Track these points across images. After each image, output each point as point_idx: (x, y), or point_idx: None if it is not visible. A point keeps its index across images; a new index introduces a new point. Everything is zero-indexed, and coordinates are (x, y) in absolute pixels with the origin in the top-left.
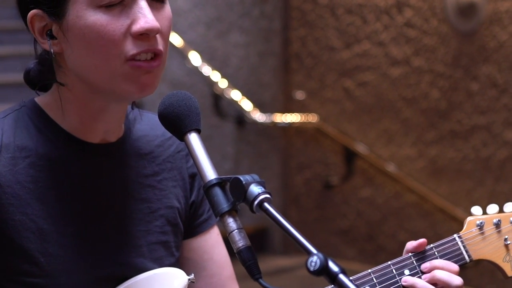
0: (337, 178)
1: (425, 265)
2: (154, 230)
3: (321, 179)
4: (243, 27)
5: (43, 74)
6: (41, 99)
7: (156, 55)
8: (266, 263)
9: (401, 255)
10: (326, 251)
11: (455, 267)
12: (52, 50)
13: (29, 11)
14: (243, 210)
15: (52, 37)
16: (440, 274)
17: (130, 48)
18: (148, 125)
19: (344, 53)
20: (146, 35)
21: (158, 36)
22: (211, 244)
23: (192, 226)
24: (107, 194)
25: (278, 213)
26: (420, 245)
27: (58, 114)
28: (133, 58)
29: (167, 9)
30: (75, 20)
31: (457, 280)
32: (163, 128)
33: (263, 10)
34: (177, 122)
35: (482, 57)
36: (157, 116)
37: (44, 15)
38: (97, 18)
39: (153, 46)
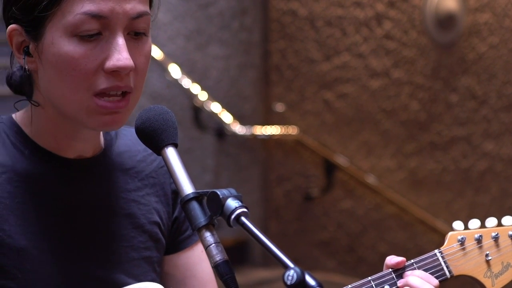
0: (317, 190)
1: (406, 274)
2: (137, 246)
3: (301, 191)
4: (222, 39)
5: (22, 82)
6: (18, 116)
7: (125, 93)
8: (246, 276)
9: (381, 266)
10: (307, 263)
11: (435, 281)
12: (26, 67)
13: (9, 25)
14: (222, 222)
15: (28, 54)
16: (413, 280)
17: (100, 83)
18: (131, 140)
19: (324, 65)
20: (118, 73)
21: (132, 73)
22: (194, 261)
23: (176, 242)
24: (87, 209)
25: (255, 227)
26: (398, 264)
27: (34, 131)
28: (101, 93)
29: (147, 43)
30: (50, 46)
31: None
32: None
33: (243, 23)
34: (154, 137)
35: (461, 69)
36: None
37: (22, 32)
38: (71, 48)
39: (124, 83)
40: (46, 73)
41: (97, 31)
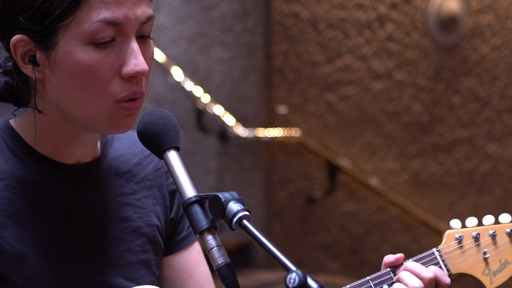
0: (320, 192)
1: (400, 268)
2: (135, 249)
3: (304, 194)
4: (225, 42)
5: (10, 88)
6: (16, 122)
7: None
8: (250, 278)
9: None
10: (310, 265)
11: (427, 274)
12: (35, 77)
13: (13, 35)
14: (225, 225)
15: (35, 63)
16: (403, 275)
17: (119, 90)
18: (127, 143)
19: (326, 68)
20: (134, 77)
21: (142, 77)
22: (191, 262)
23: (171, 243)
24: (85, 215)
25: (257, 230)
26: (397, 260)
27: (33, 137)
28: (122, 101)
29: (151, 47)
30: (65, 55)
31: (417, 283)
32: (141, 146)
33: (245, 25)
34: (156, 140)
35: (463, 71)
36: (135, 133)
37: (30, 42)
38: (88, 56)
39: (139, 89)
40: (60, 83)
41: (112, 37)
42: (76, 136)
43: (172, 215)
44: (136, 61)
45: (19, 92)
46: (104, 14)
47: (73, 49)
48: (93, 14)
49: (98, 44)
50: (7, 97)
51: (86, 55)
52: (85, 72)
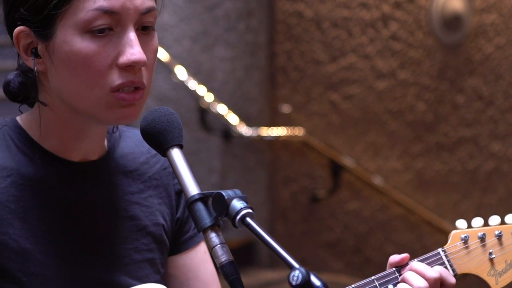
0: (323, 191)
1: (405, 268)
2: (140, 248)
3: (308, 192)
4: (228, 41)
5: (24, 88)
6: (23, 119)
7: (137, 88)
8: (253, 277)
9: None
10: (313, 264)
11: (432, 274)
12: (36, 69)
13: (16, 27)
14: (228, 224)
15: (36, 55)
16: (408, 275)
17: (115, 78)
18: (134, 142)
19: (330, 67)
20: (131, 67)
21: (143, 68)
22: (197, 261)
23: (178, 243)
24: (91, 213)
25: (261, 228)
26: (402, 260)
27: (39, 134)
28: (117, 89)
29: (155, 39)
30: (62, 45)
31: (422, 283)
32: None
33: (249, 24)
34: (159, 138)
35: (467, 70)
36: None
37: (31, 33)
38: (84, 45)
39: (137, 79)
40: (59, 72)
41: (109, 26)
42: (82, 130)
43: (179, 214)
44: (133, 51)
45: (27, 88)
46: (100, 2)
47: (69, 37)
48: (89, 2)
49: (94, 33)
50: (20, 97)
51: (82, 43)
52: (81, 62)
